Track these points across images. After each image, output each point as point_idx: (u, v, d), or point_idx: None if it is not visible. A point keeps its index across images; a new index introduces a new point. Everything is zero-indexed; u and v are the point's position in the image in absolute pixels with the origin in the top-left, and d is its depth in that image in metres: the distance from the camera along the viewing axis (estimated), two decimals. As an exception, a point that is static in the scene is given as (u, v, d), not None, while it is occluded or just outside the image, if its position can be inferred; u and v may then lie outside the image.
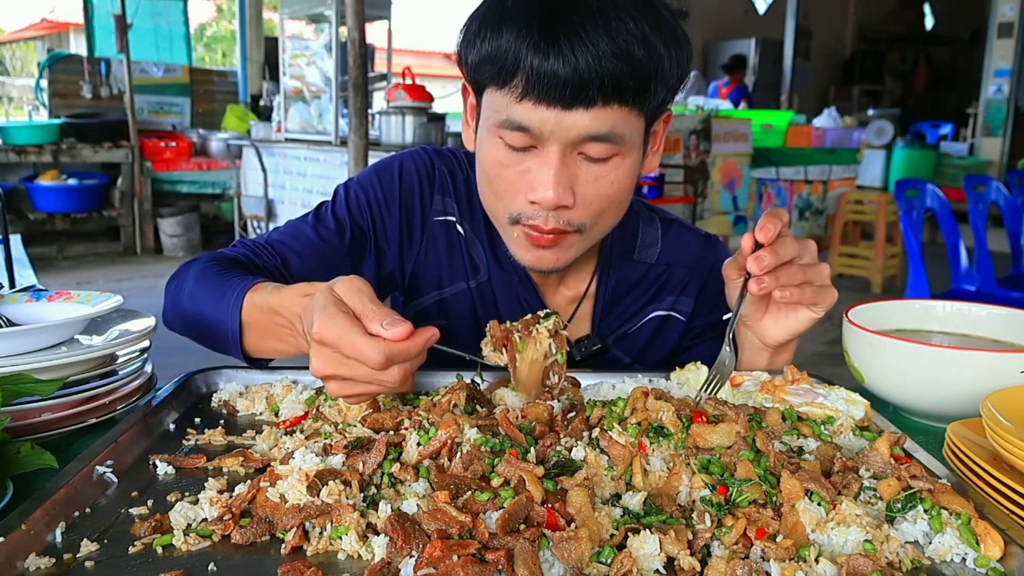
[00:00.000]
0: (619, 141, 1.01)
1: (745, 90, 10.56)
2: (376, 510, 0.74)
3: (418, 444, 0.84)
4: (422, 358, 0.85)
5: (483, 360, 1.01)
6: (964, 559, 0.71)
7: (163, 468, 0.87)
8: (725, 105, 8.29)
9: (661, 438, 0.86)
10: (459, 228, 1.27)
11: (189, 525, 0.74)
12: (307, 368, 1.17)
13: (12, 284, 1.87)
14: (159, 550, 0.71)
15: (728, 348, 1.02)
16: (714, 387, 1.00)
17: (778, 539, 0.70)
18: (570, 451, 0.84)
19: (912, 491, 0.78)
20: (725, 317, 1.05)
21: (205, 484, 0.81)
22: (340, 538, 0.71)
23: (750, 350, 1.15)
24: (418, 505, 0.74)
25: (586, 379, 1.10)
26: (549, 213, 1.04)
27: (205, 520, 0.75)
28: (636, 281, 1.31)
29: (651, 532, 0.69)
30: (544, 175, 1.00)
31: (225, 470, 0.87)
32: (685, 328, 1.33)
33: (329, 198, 1.30)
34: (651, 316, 1.32)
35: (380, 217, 1.26)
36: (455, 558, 0.64)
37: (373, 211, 1.25)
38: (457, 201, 1.27)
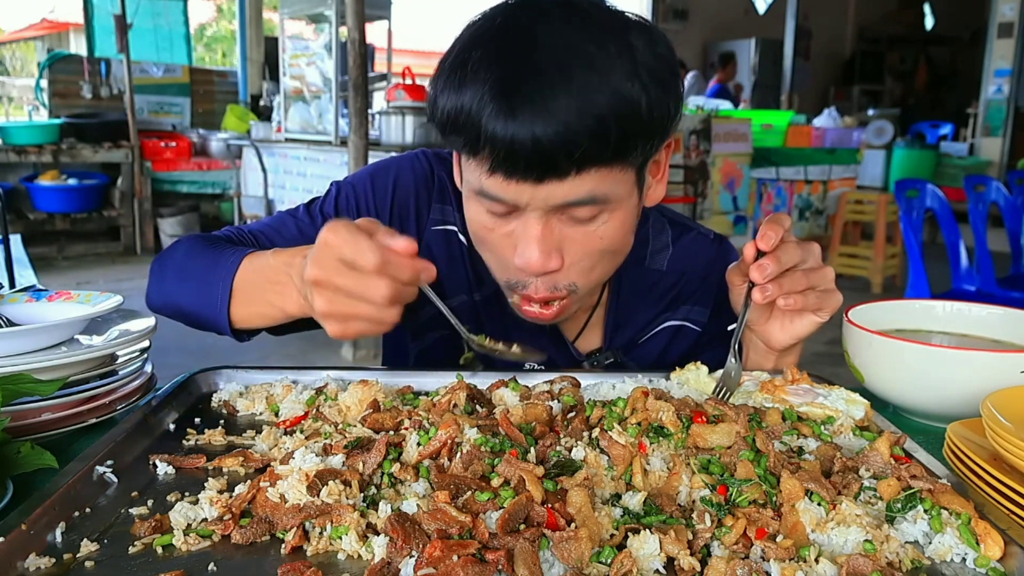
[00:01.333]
0: (603, 201, 0.95)
1: (724, 89, 10.49)
2: (376, 510, 0.74)
3: (418, 444, 0.84)
4: (412, 292, 0.86)
5: (472, 338, 1.00)
6: (964, 559, 0.71)
7: (163, 468, 0.87)
8: (725, 105, 8.29)
9: (661, 438, 0.86)
10: (461, 238, 1.22)
11: (189, 525, 0.74)
12: (307, 368, 1.18)
13: (12, 284, 1.87)
14: (159, 550, 0.71)
15: (733, 359, 1.02)
16: (722, 398, 0.99)
17: (778, 539, 0.70)
18: (570, 451, 0.84)
19: (912, 491, 0.78)
20: (730, 328, 1.04)
21: (205, 484, 0.81)
22: (340, 538, 0.71)
23: (755, 353, 1.14)
24: (418, 505, 0.74)
25: (586, 379, 1.10)
26: (538, 280, 1.01)
27: (205, 520, 0.75)
28: (648, 289, 1.27)
29: (651, 532, 0.69)
30: (527, 242, 0.96)
31: (225, 470, 0.87)
32: (696, 339, 1.30)
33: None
34: (664, 326, 1.28)
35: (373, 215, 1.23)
36: (455, 558, 0.64)
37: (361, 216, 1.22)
38: (458, 210, 1.20)
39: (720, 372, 1.09)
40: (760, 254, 0.98)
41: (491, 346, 0.99)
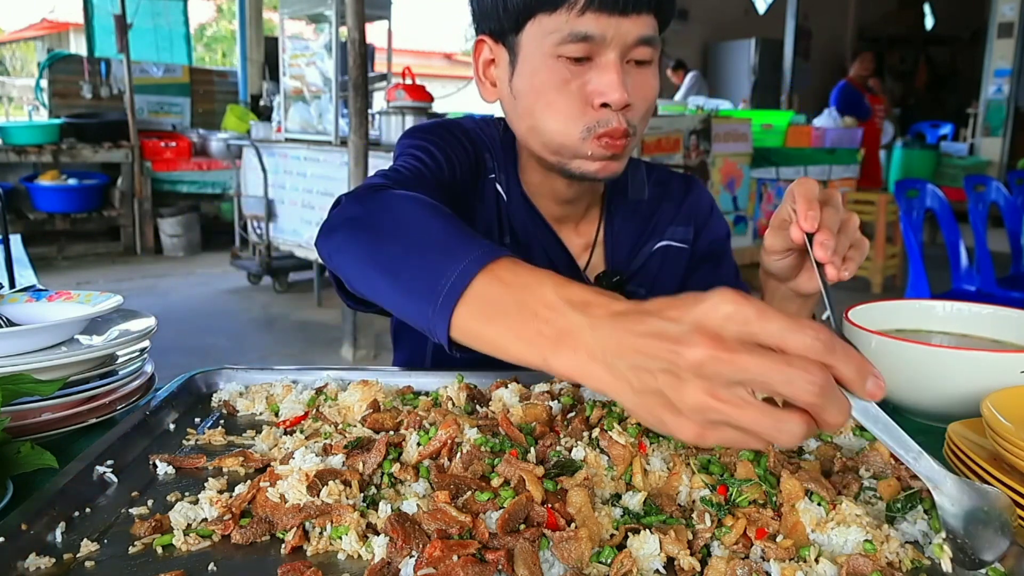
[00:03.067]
0: (656, 44, 1.11)
1: (854, 91, 10.30)
2: (376, 510, 0.74)
3: (418, 444, 0.85)
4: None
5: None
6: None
7: (163, 468, 0.87)
8: (725, 105, 8.29)
9: (661, 438, 0.86)
10: (498, 187, 1.30)
11: (189, 525, 0.74)
12: (307, 368, 1.18)
13: (12, 284, 1.87)
14: (159, 550, 0.71)
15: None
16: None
17: (778, 539, 0.70)
18: (570, 451, 0.84)
19: (912, 491, 0.78)
20: (824, 316, 0.91)
21: (205, 484, 0.81)
22: (340, 538, 0.71)
23: (779, 299, 1.18)
24: (418, 505, 0.74)
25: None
26: (619, 115, 1.09)
27: (205, 520, 0.75)
28: (632, 215, 1.38)
29: (651, 532, 0.69)
30: (610, 78, 1.07)
31: (225, 470, 0.87)
32: (689, 256, 1.40)
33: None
34: (655, 249, 1.37)
35: (463, 168, 1.22)
36: (455, 558, 0.64)
37: (460, 160, 1.21)
38: (496, 160, 1.29)
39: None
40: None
41: None
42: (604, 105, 1.08)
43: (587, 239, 1.35)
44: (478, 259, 0.70)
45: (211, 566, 0.69)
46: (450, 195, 1.14)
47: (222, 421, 1.04)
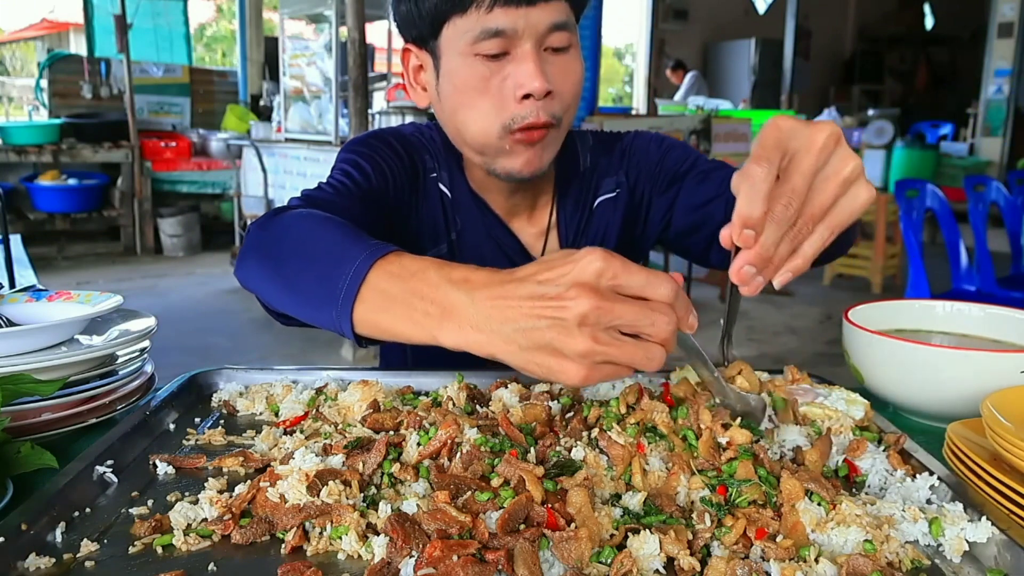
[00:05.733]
0: (572, 30, 1.12)
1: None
2: (376, 510, 0.74)
3: (418, 444, 0.85)
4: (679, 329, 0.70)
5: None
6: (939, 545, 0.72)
7: (163, 468, 0.87)
8: (725, 105, 8.29)
9: (659, 438, 0.86)
10: (441, 186, 1.32)
11: (189, 525, 0.74)
12: (307, 368, 1.18)
13: (12, 284, 1.87)
14: (159, 550, 0.71)
15: (712, 371, 0.88)
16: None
17: (778, 539, 0.70)
18: (570, 451, 0.84)
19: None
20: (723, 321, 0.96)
21: (205, 484, 0.81)
22: (340, 538, 0.71)
23: None
24: (418, 505, 0.74)
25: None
26: (539, 106, 1.09)
27: (205, 520, 0.75)
28: (580, 191, 1.36)
29: (651, 532, 0.69)
30: (528, 69, 1.07)
31: (225, 470, 0.87)
32: (624, 202, 1.36)
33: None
34: (593, 208, 1.35)
35: (396, 175, 1.25)
36: (455, 558, 0.64)
37: (391, 168, 1.25)
38: (438, 160, 1.31)
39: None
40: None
41: None
42: (527, 97, 1.08)
43: (540, 227, 1.35)
44: (366, 260, 0.78)
45: (211, 566, 0.69)
46: (379, 201, 1.20)
47: (222, 421, 1.04)
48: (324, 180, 1.20)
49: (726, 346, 1.02)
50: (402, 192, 1.26)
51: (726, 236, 0.77)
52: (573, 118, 1.19)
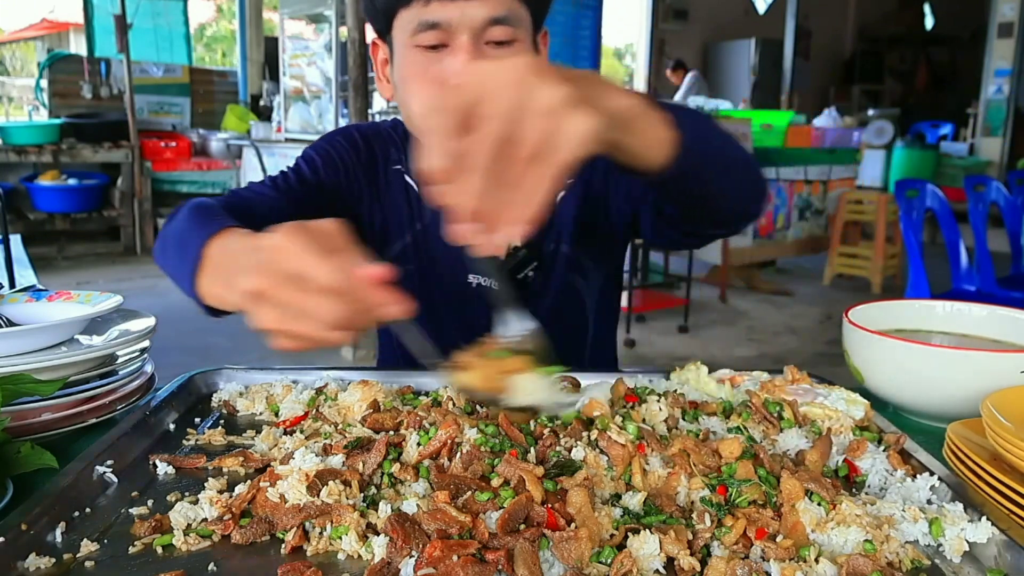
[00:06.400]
0: (516, 24, 1.13)
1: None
2: (376, 510, 0.74)
3: (418, 444, 0.85)
4: (369, 322, 0.70)
5: (450, 370, 0.83)
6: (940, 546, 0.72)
7: (163, 468, 0.87)
8: (725, 105, 8.28)
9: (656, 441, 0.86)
10: (406, 178, 1.35)
11: (189, 525, 0.74)
12: (307, 368, 1.18)
13: (12, 284, 1.87)
14: (159, 550, 0.71)
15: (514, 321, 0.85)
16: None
17: (778, 539, 0.70)
18: (570, 451, 0.84)
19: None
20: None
21: (205, 484, 0.81)
22: (340, 538, 0.71)
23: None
24: (418, 505, 0.74)
25: (586, 379, 1.11)
26: None
27: (205, 520, 0.75)
28: None
29: (651, 532, 0.69)
30: (460, 58, 1.11)
31: (225, 470, 0.87)
32: (580, 190, 1.33)
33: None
34: (558, 199, 1.33)
35: (352, 168, 1.31)
36: (455, 558, 0.64)
37: (344, 163, 1.31)
38: (404, 152, 1.35)
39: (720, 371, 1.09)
40: None
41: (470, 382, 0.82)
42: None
43: None
44: (203, 241, 0.87)
45: (211, 566, 0.69)
46: (326, 194, 1.27)
47: (222, 421, 1.04)
48: (268, 177, 1.28)
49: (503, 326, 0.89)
50: (357, 184, 1.31)
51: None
52: None
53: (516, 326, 0.86)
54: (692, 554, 0.69)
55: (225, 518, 0.74)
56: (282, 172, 1.28)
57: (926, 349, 1.06)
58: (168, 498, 0.80)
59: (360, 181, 1.31)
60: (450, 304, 1.36)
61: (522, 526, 0.71)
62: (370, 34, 1.31)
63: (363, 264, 0.68)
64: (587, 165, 1.33)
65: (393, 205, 1.33)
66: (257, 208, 1.18)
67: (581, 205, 1.33)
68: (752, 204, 1.07)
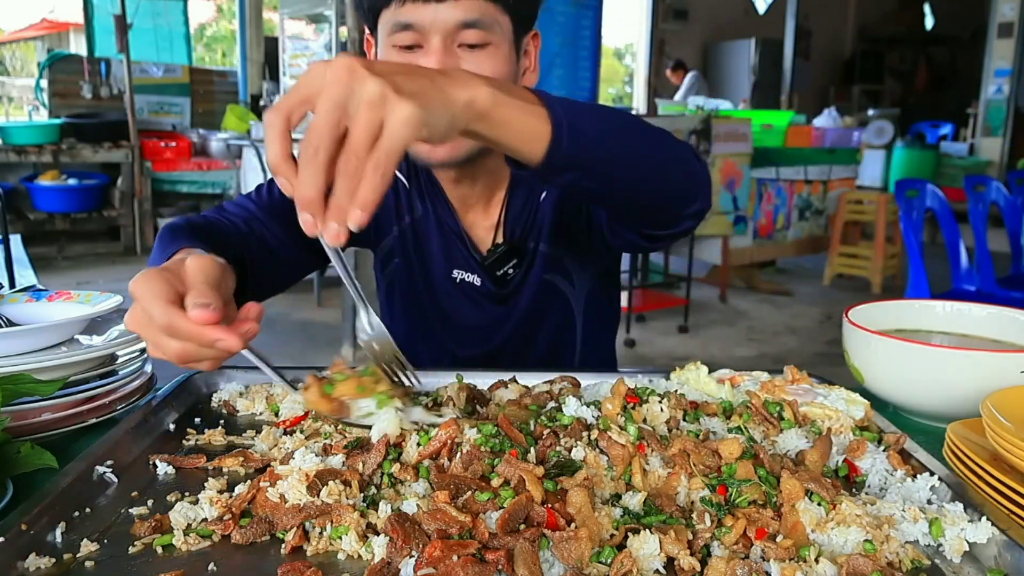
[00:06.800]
0: (490, 28, 1.15)
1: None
2: (376, 510, 0.74)
3: (418, 444, 0.85)
4: (213, 354, 0.78)
5: (297, 392, 0.89)
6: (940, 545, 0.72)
7: (163, 468, 0.87)
8: (725, 105, 8.28)
9: (656, 441, 0.86)
10: (397, 173, 1.35)
11: (189, 525, 0.74)
12: (307, 368, 1.18)
13: (12, 284, 1.87)
14: (159, 550, 0.71)
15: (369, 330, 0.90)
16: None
17: (778, 539, 0.70)
18: (570, 451, 0.84)
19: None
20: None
21: (205, 484, 0.81)
22: (340, 538, 0.71)
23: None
24: (418, 505, 0.74)
25: (586, 379, 1.11)
26: None
27: (205, 520, 0.75)
28: (530, 183, 1.33)
29: (651, 532, 0.69)
30: (429, 62, 1.13)
31: (225, 470, 0.87)
32: (563, 194, 1.33)
33: None
34: (541, 200, 1.34)
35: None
36: (455, 558, 0.64)
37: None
38: None
39: (720, 372, 1.09)
40: None
41: (318, 406, 0.87)
42: None
43: (493, 220, 1.36)
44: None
45: (211, 566, 0.69)
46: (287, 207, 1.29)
47: (222, 421, 1.04)
48: (256, 188, 1.33)
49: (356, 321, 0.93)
50: None
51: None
52: None
53: (367, 327, 0.91)
54: (692, 554, 0.69)
55: (225, 518, 0.74)
56: (270, 180, 1.29)
57: (926, 349, 1.06)
58: (168, 498, 0.80)
59: None
60: (435, 298, 1.39)
61: (522, 526, 0.71)
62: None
63: (197, 306, 0.75)
64: None
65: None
66: (222, 227, 1.23)
67: (560, 206, 1.33)
68: (685, 203, 1.07)
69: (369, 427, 0.86)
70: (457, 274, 1.37)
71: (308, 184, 0.69)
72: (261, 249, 1.24)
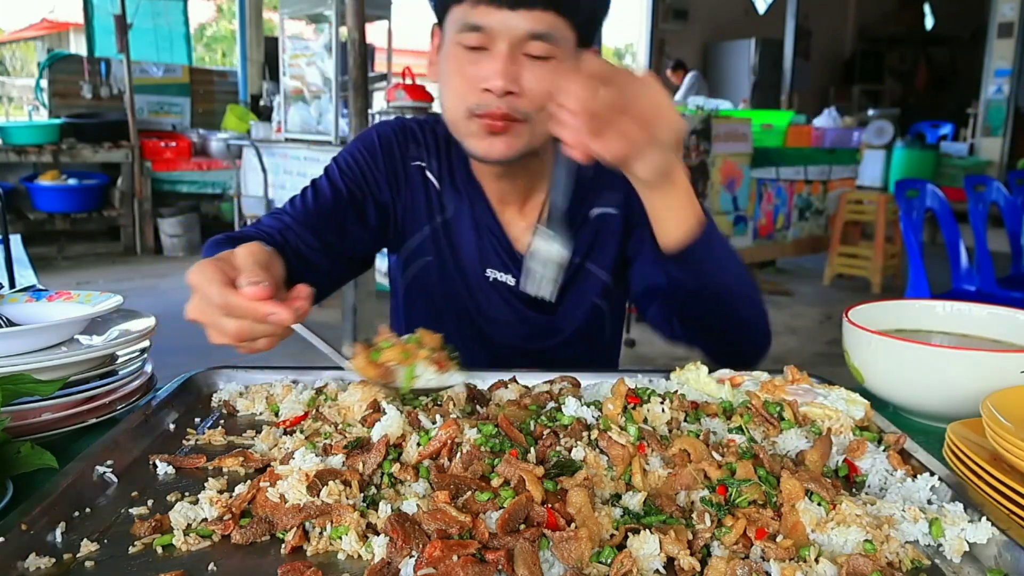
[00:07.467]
0: (556, 43, 1.17)
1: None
2: (376, 510, 0.74)
3: (418, 444, 0.85)
4: (267, 330, 0.89)
5: (347, 361, 0.97)
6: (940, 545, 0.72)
7: (163, 468, 0.87)
8: (725, 105, 8.28)
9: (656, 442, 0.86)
10: (427, 173, 1.40)
11: (189, 525, 0.74)
12: (307, 368, 1.19)
13: (12, 284, 1.87)
14: (159, 550, 0.71)
15: (545, 236, 1.06)
16: (545, 281, 1.08)
17: (778, 539, 0.70)
18: (570, 451, 0.84)
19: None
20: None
21: (205, 484, 0.81)
22: (340, 538, 0.71)
23: (640, 193, 1.14)
24: (418, 505, 0.74)
25: (586, 379, 1.11)
26: (501, 100, 1.17)
27: (205, 520, 0.75)
28: (575, 190, 1.33)
29: (651, 532, 0.69)
30: (494, 66, 1.16)
31: (225, 470, 0.87)
32: (623, 221, 1.37)
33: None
34: (591, 216, 1.37)
35: (369, 170, 1.38)
36: (455, 558, 0.64)
37: (362, 167, 1.38)
38: (426, 149, 1.40)
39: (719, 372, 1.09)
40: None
41: (365, 372, 0.96)
42: (487, 90, 1.17)
43: (531, 220, 1.39)
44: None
45: (211, 566, 0.69)
46: (346, 203, 1.34)
47: (222, 421, 1.04)
48: (290, 200, 1.36)
49: (547, 219, 1.08)
50: (376, 183, 1.37)
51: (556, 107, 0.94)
52: (546, 121, 1.20)
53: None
54: (692, 554, 0.69)
55: (225, 518, 0.74)
56: (304, 189, 1.36)
57: (926, 349, 1.06)
58: (168, 498, 0.80)
59: (379, 180, 1.37)
60: (470, 295, 1.40)
61: (522, 526, 0.71)
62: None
63: (250, 283, 0.85)
64: (635, 203, 1.35)
65: (411, 199, 1.39)
66: (260, 238, 1.23)
67: (622, 237, 1.37)
68: (746, 346, 1.24)
69: (425, 391, 0.95)
70: (491, 273, 1.39)
71: (596, 107, 0.92)
72: (296, 259, 1.25)
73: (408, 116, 1.51)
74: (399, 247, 1.45)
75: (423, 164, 1.40)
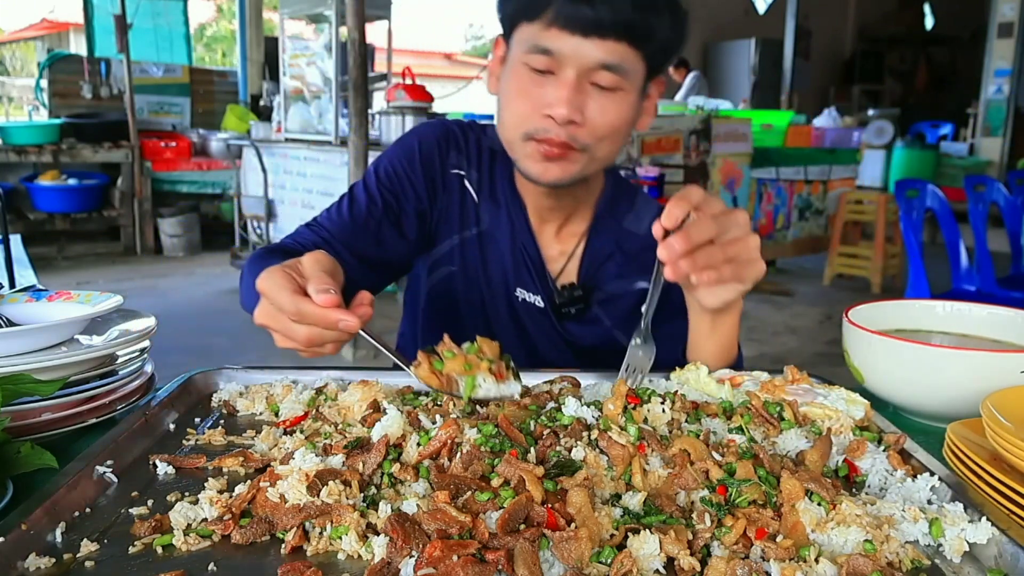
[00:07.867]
0: (625, 75, 1.15)
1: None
2: (376, 510, 0.74)
3: (418, 444, 0.85)
4: (335, 336, 0.91)
5: (412, 371, 0.96)
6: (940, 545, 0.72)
7: (163, 468, 0.87)
8: (725, 105, 8.29)
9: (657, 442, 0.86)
10: (466, 183, 1.39)
11: (189, 525, 0.74)
12: (307, 368, 1.18)
13: (12, 284, 1.87)
14: (159, 550, 0.71)
15: (639, 340, 1.08)
16: (632, 382, 1.06)
17: (778, 539, 0.70)
18: (570, 451, 0.84)
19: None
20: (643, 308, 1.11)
21: (205, 484, 0.81)
22: (340, 538, 0.71)
23: (693, 312, 1.18)
24: (418, 505, 0.74)
25: (586, 379, 1.11)
26: (562, 128, 1.15)
27: (205, 520, 0.75)
28: (624, 248, 1.38)
29: (651, 532, 0.69)
30: (560, 93, 1.13)
31: (225, 470, 0.87)
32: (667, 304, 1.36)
33: (332, 197, 1.41)
34: (637, 287, 1.37)
35: (408, 179, 1.36)
36: (455, 558, 0.64)
37: (400, 176, 1.37)
38: (467, 158, 1.39)
39: (724, 372, 1.09)
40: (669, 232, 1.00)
41: (429, 381, 0.97)
42: (549, 116, 1.15)
43: (566, 247, 1.38)
44: (254, 283, 0.95)
45: (211, 566, 0.69)
46: (375, 206, 1.33)
47: (222, 421, 1.04)
48: (326, 210, 1.36)
49: (644, 326, 1.09)
50: (413, 189, 1.36)
51: (656, 228, 1.00)
52: (612, 151, 1.23)
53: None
54: (692, 554, 0.69)
55: (225, 518, 0.74)
56: (341, 198, 1.36)
57: (926, 349, 1.06)
58: (168, 498, 0.80)
59: (418, 189, 1.36)
60: (495, 312, 1.39)
61: (522, 526, 0.71)
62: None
63: (320, 291, 0.87)
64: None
65: (447, 206, 1.38)
66: (299, 250, 1.22)
67: (640, 300, 1.31)
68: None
69: (484, 401, 0.96)
70: (520, 293, 1.38)
71: (695, 237, 0.98)
72: None
73: (449, 118, 1.50)
74: (428, 252, 1.44)
75: (463, 173, 1.39)
